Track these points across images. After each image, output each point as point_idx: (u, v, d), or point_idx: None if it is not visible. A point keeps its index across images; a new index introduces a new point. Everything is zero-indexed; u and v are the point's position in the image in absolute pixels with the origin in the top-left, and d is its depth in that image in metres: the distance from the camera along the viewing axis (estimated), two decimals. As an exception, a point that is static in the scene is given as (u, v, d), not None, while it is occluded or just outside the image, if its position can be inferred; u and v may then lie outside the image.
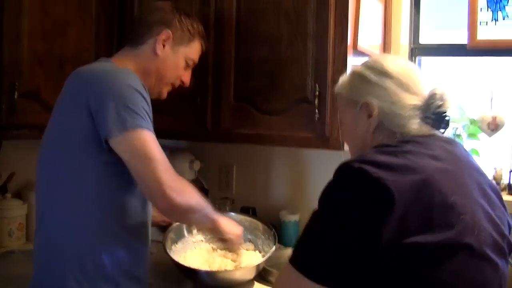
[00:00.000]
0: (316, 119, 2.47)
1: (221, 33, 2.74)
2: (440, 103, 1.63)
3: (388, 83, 1.66)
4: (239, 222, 2.48)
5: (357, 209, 1.39)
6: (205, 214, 2.16)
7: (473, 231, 1.45)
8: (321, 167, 2.96)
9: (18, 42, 2.63)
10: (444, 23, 3.02)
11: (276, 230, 2.90)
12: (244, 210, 3.05)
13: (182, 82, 2.40)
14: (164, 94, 2.38)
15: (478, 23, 2.69)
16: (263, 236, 2.60)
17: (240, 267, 2.39)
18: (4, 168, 2.95)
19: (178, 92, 2.80)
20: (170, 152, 3.18)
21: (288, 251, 2.66)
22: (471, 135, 2.78)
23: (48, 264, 2.04)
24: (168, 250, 2.38)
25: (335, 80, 2.36)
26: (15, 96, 2.61)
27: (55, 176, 2.05)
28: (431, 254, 1.38)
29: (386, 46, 2.86)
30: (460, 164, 1.58)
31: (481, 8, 2.70)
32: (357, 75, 1.75)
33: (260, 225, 2.64)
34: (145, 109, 1.97)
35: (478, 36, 2.70)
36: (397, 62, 1.73)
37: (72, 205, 2.01)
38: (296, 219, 2.98)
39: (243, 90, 2.69)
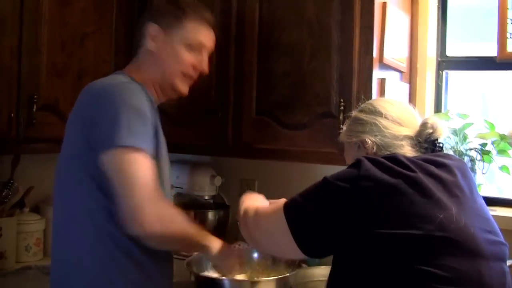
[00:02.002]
0: (340, 134, 2.40)
1: (242, 45, 2.70)
2: (431, 131, 1.78)
3: (379, 119, 1.81)
4: (262, 262, 2.48)
5: (344, 193, 1.59)
6: (192, 243, 2.05)
7: (461, 225, 1.58)
8: (345, 183, 2.88)
9: (37, 54, 2.60)
10: (471, 36, 2.94)
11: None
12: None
13: (196, 68, 2.19)
14: (182, 89, 2.20)
15: (508, 35, 2.61)
16: (286, 272, 2.49)
17: (264, 279, 2.33)
18: (22, 182, 2.90)
19: (199, 106, 2.77)
20: (191, 167, 3.14)
21: (313, 270, 2.62)
22: (501, 152, 2.68)
23: (62, 282, 2.00)
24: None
25: (359, 94, 2.35)
26: (34, 109, 2.57)
27: (65, 197, 2.01)
28: (414, 247, 1.53)
29: (412, 59, 2.79)
30: (452, 172, 1.70)
31: (511, 20, 2.62)
32: (351, 120, 1.93)
33: (281, 260, 2.55)
34: (144, 128, 1.90)
35: (508, 49, 2.62)
36: (388, 102, 1.90)
37: (81, 226, 1.96)
38: (319, 236, 2.89)
39: (264, 103, 2.64)
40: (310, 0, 2.50)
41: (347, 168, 1.68)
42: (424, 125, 1.80)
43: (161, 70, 2.14)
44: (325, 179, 1.66)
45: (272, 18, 2.61)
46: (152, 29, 2.14)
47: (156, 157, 1.99)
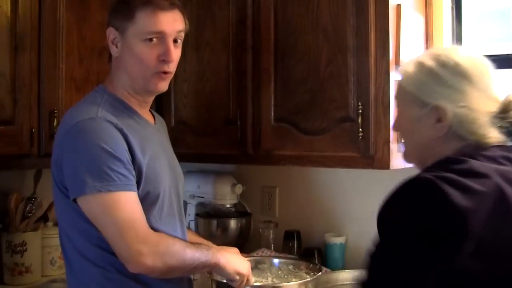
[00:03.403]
0: (360, 137, 2.40)
1: (259, 53, 2.71)
2: None
3: (465, 86, 1.48)
4: (283, 267, 2.50)
5: (427, 234, 1.27)
6: (199, 265, 2.00)
7: None
8: (366, 187, 2.89)
9: (55, 69, 2.63)
10: (487, 36, 2.93)
11: (322, 253, 2.85)
12: (288, 234, 3.01)
13: (163, 60, 2.01)
14: (157, 88, 2.06)
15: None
16: (307, 276, 2.49)
17: (287, 284, 2.33)
18: (45, 196, 2.92)
19: (218, 115, 2.79)
20: (212, 176, 3.15)
21: (337, 275, 2.62)
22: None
23: None
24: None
25: (377, 97, 2.35)
26: (54, 124, 2.59)
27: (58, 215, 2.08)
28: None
29: (428, 61, 2.78)
30: None
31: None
32: (428, 72, 1.53)
33: (302, 264, 2.55)
34: (110, 166, 1.85)
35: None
36: (472, 59, 1.53)
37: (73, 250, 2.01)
38: (342, 241, 2.90)
39: (283, 110, 2.65)
40: (325, 5, 2.51)
41: (408, 190, 1.33)
42: (509, 103, 1.49)
43: (128, 74, 2.05)
44: (387, 237, 1.34)
45: (287, 25, 2.62)
46: (110, 33, 2.05)
47: (145, 173, 1.98)
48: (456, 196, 1.26)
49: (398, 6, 2.43)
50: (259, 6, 2.70)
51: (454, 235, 1.25)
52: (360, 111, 2.40)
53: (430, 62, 1.53)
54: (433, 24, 2.79)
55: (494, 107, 1.48)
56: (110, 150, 1.87)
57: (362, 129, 2.40)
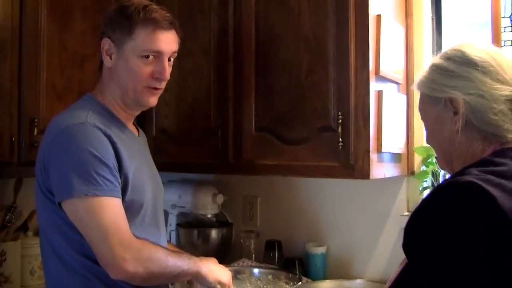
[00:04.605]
0: (340, 147, 2.41)
1: (240, 63, 2.70)
2: None
3: (473, 73, 1.45)
4: (262, 277, 2.53)
5: (480, 241, 1.19)
6: (180, 273, 2.01)
7: None
8: (347, 196, 2.90)
9: (36, 78, 2.62)
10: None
11: (303, 263, 2.85)
12: (269, 244, 3.01)
13: (157, 78, 2.06)
14: (148, 102, 2.10)
15: (503, 43, 2.63)
16: (287, 286, 2.51)
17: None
18: (25, 206, 2.92)
19: (199, 125, 2.79)
20: (193, 186, 3.15)
21: (318, 285, 2.63)
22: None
23: None
24: None
25: (357, 107, 2.36)
26: (35, 132, 2.58)
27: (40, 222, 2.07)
28: None
29: (409, 70, 2.80)
30: None
31: (505, 28, 2.64)
32: (435, 68, 1.54)
33: (282, 274, 2.60)
34: (97, 171, 1.86)
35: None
36: (480, 48, 1.51)
37: (51, 256, 2.01)
38: (323, 251, 2.91)
39: (264, 120, 2.65)
40: (306, 15, 2.51)
41: (444, 198, 1.26)
42: None
43: (120, 87, 2.07)
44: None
45: (269, 35, 2.63)
46: (104, 44, 2.06)
47: (131, 182, 1.99)
48: (501, 197, 1.21)
49: (378, 16, 2.45)
50: (240, 16, 2.70)
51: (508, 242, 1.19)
52: (340, 121, 2.40)
53: (437, 60, 1.55)
54: (414, 34, 2.81)
55: (508, 91, 1.43)
56: (98, 155, 1.88)
57: (342, 139, 2.40)
